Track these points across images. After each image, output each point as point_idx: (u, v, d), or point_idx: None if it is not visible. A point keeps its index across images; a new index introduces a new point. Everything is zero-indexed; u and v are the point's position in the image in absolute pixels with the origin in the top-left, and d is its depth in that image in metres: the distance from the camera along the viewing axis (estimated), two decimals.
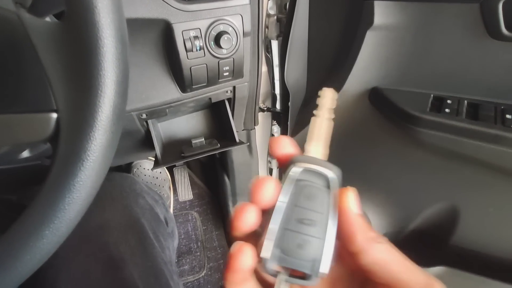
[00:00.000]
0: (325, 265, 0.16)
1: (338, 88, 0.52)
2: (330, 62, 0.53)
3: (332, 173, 0.17)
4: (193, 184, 1.03)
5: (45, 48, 0.17)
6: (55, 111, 0.18)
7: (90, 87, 0.17)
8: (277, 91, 0.79)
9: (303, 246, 0.16)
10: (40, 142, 0.18)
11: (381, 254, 0.16)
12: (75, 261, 0.37)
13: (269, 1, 0.64)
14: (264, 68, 0.69)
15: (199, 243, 0.92)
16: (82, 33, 0.17)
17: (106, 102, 0.17)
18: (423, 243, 0.62)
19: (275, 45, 0.72)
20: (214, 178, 0.93)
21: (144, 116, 0.46)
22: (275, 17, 0.65)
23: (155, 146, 0.48)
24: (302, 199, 0.16)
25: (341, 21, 0.51)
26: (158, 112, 0.47)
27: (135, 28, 0.37)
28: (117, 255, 0.38)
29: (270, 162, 0.93)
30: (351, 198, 0.16)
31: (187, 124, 0.57)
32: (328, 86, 0.53)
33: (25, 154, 0.30)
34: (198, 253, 0.90)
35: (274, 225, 0.16)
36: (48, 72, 0.17)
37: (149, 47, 0.40)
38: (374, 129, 0.55)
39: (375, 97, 0.52)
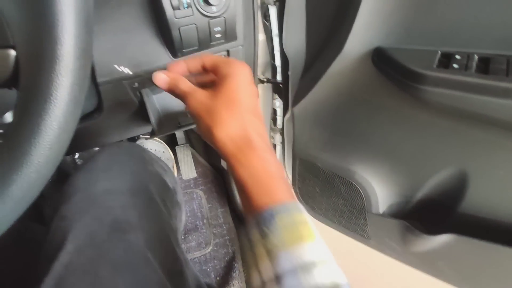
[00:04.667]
0: None
1: (337, 51, 0.50)
2: (329, 23, 0.50)
3: None
4: (196, 162, 1.03)
5: None
6: (13, 47, 0.16)
7: (45, 16, 0.15)
8: (277, 62, 0.76)
9: None
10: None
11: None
12: (81, 222, 0.37)
13: None
14: (262, 37, 0.67)
15: (204, 221, 0.93)
16: None
17: (65, 33, 0.16)
18: (431, 212, 0.60)
19: (273, 11, 0.69)
20: (217, 157, 0.93)
21: (136, 85, 0.45)
22: None
23: (149, 116, 0.47)
24: None
25: None
26: (150, 81, 0.45)
27: None
28: (123, 218, 0.38)
29: (272, 138, 0.92)
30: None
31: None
32: (328, 49, 0.50)
33: (8, 118, 0.29)
34: (204, 230, 0.90)
35: None
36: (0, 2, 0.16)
37: (135, 8, 0.38)
38: (377, 93, 0.53)
39: (378, 57, 0.49)
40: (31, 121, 0.16)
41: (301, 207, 0.28)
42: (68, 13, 0.16)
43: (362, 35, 0.47)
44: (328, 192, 0.73)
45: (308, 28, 0.54)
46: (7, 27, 0.16)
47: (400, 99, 0.50)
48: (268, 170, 0.28)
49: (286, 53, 0.61)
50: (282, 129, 0.86)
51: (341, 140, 0.63)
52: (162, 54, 0.42)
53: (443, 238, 0.56)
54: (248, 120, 0.30)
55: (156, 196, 0.45)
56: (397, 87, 0.49)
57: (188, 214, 0.95)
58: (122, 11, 0.38)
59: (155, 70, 0.43)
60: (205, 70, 0.34)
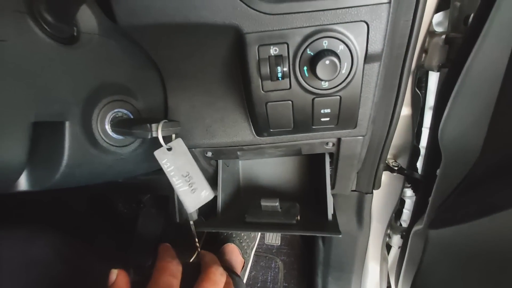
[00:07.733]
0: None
1: None
2: None
3: None
4: None
5: None
6: None
7: None
8: (423, 144, 0.54)
9: None
10: None
11: None
12: None
13: (435, 14, 0.42)
14: (406, 111, 0.47)
15: None
16: None
17: None
18: None
19: (433, 78, 0.48)
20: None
21: (209, 154, 0.35)
22: (443, 36, 0.41)
23: (218, 197, 0.36)
24: None
25: None
26: (227, 154, 0.34)
27: (201, 40, 0.26)
28: None
29: (389, 237, 0.67)
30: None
31: (272, 167, 0.42)
32: None
33: None
34: None
35: None
36: None
37: (221, 68, 0.28)
38: None
39: None
40: None
41: None
42: None
43: None
44: None
45: (498, 115, 0.31)
46: None
47: None
48: None
49: (440, 144, 0.40)
50: (406, 232, 0.60)
51: None
52: (244, 129, 0.30)
53: None
54: None
55: None
56: None
57: (259, 285, 0.80)
58: (207, 70, 0.28)
59: (233, 145, 0.33)
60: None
